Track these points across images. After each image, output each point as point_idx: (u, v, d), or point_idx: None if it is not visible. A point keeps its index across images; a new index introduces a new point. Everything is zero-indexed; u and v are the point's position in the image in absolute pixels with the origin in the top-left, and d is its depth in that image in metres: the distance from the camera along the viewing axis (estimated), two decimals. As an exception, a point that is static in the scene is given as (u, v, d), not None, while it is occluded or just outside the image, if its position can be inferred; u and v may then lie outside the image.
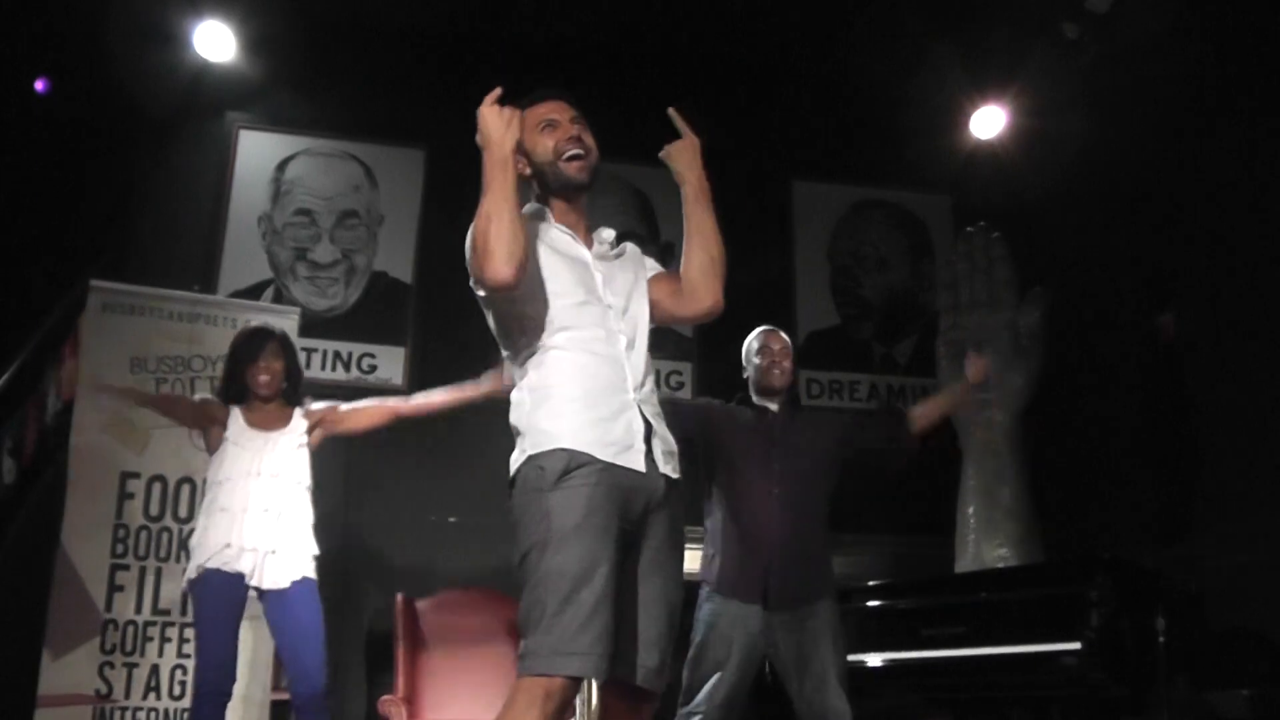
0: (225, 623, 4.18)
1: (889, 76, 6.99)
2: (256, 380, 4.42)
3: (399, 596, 6.04)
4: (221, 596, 4.18)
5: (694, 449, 4.23)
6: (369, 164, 7.13)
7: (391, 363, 6.79)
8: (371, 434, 6.53)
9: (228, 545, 4.17)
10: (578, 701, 6.16)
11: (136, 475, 5.43)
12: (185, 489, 5.46)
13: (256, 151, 7.01)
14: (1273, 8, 5.59)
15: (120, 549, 5.33)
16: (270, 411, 4.46)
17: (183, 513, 5.43)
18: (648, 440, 2.73)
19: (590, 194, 2.99)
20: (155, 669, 5.26)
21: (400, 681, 5.80)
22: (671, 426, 3.00)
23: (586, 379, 2.71)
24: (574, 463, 2.58)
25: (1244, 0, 5.76)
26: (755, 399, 4.53)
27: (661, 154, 3.07)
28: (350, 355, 6.76)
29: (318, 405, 4.62)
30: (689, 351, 7.09)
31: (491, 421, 6.90)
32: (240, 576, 4.19)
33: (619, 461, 2.64)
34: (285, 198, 6.98)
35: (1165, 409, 6.32)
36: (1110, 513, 6.55)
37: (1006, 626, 4.99)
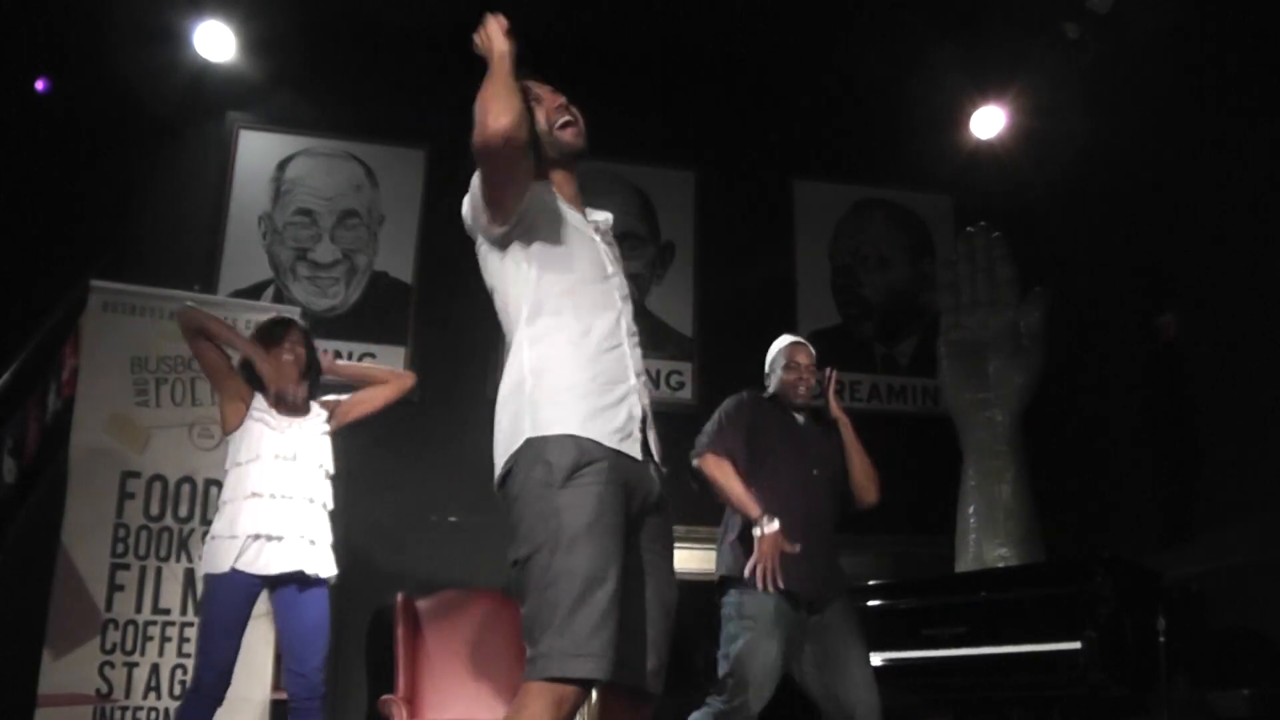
0: (234, 626, 4.16)
1: (890, 76, 6.99)
2: (279, 362, 4.43)
3: (400, 596, 6.04)
4: (238, 600, 4.16)
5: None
6: (370, 164, 7.13)
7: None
8: (372, 432, 6.58)
9: (256, 537, 4.15)
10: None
11: (137, 475, 5.43)
12: (185, 488, 5.46)
13: (257, 151, 7.01)
14: (1273, 8, 5.59)
15: (121, 548, 5.33)
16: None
17: (183, 512, 5.43)
18: (644, 429, 2.71)
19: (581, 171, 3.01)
20: (155, 668, 5.26)
21: (401, 681, 5.80)
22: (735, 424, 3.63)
23: (595, 363, 2.68)
24: (584, 459, 2.51)
25: (1245, 1, 5.75)
26: (768, 400, 4.60)
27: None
28: (351, 355, 6.75)
29: (331, 397, 4.65)
30: (689, 351, 7.08)
31: (491, 423, 6.91)
32: (259, 580, 4.17)
33: (623, 449, 2.60)
34: (286, 197, 6.98)
35: (1166, 409, 6.32)
36: (1111, 512, 6.55)
37: (1007, 626, 4.99)
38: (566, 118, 2.92)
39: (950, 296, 6.77)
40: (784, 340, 4.74)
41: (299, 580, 4.25)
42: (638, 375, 2.77)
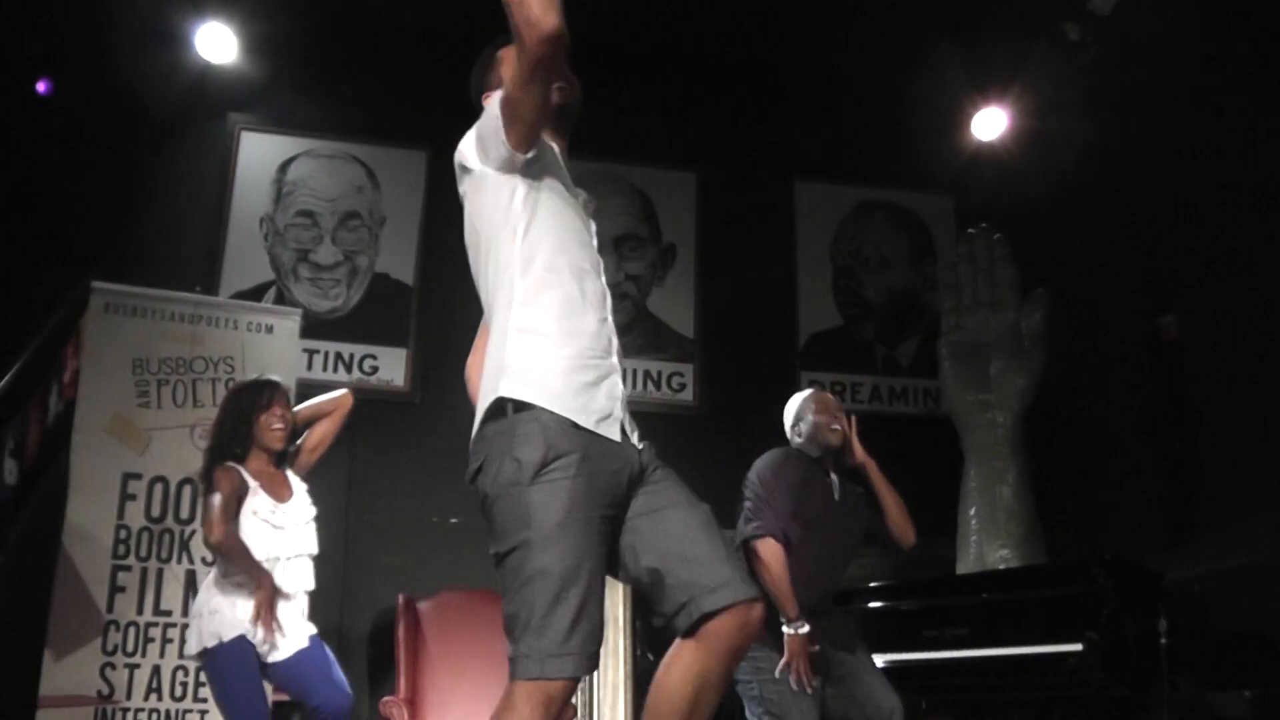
0: (259, 682, 4.06)
1: (891, 77, 6.99)
2: (268, 429, 4.27)
3: (400, 597, 6.05)
4: (250, 657, 4.06)
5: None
6: (371, 165, 7.13)
7: (393, 364, 6.79)
8: (374, 434, 6.60)
9: (251, 624, 4.05)
10: (578, 699, 6.16)
11: (138, 476, 5.43)
12: (187, 490, 5.46)
13: (258, 153, 7.01)
14: (1273, 9, 5.59)
15: (122, 550, 5.33)
16: (275, 475, 4.31)
17: (184, 514, 5.43)
18: (623, 409, 2.60)
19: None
20: (157, 670, 5.26)
21: (402, 682, 5.80)
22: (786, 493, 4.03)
23: (584, 335, 2.56)
24: (552, 453, 2.39)
25: (1246, 2, 5.76)
26: (812, 450, 4.49)
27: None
28: (352, 357, 6.76)
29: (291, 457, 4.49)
30: (690, 353, 7.08)
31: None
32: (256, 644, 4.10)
33: (600, 430, 2.48)
34: (287, 199, 6.98)
35: (1166, 410, 6.32)
36: (1112, 513, 6.55)
37: (1009, 628, 4.99)
38: (559, 82, 2.76)
39: (951, 298, 6.78)
40: (803, 392, 4.70)
41: (295, 655, 4.18)
42: (618, 350, 2.65)
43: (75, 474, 5.30)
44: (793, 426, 4.57)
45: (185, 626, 5.18)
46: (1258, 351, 5.68)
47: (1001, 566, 6.08)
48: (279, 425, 4.29)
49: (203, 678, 5.10)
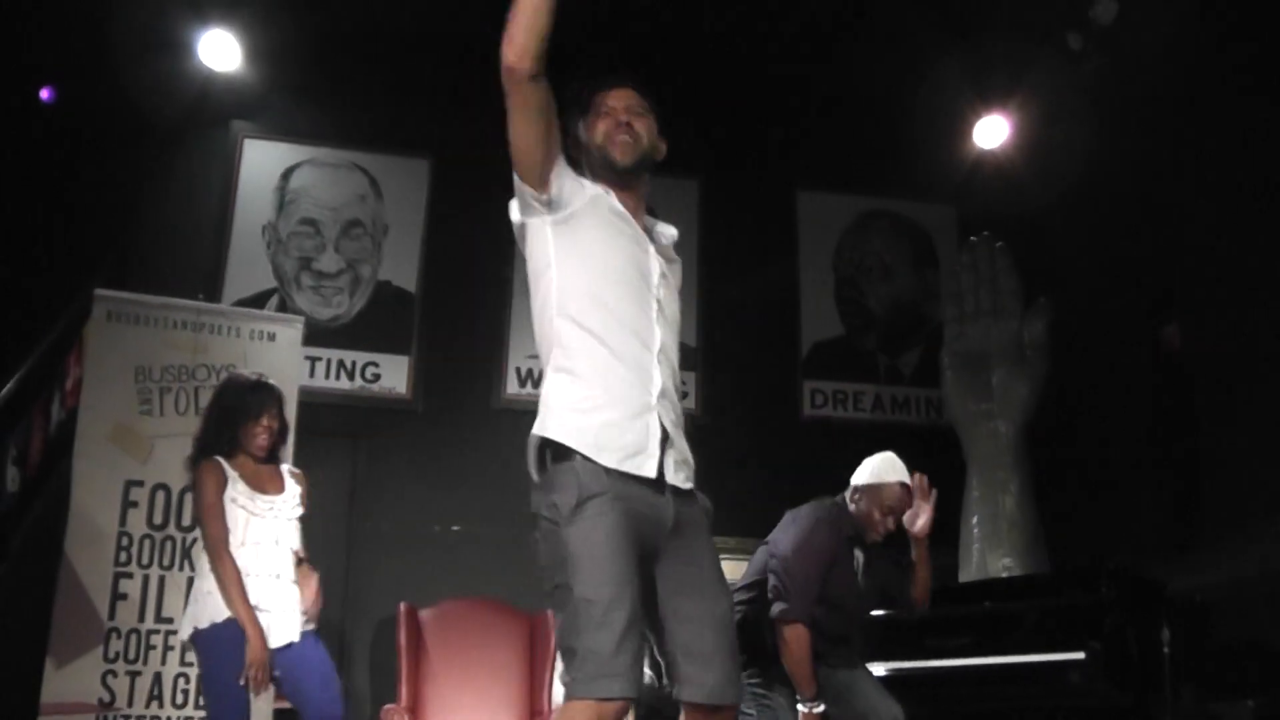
0: (240, 666, 4.12)
1: (894, 87, 6.99)
2: (253, 438, 4.24)
3: (402, 605, 6.04)
4: (236, 645, 4.10)
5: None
6: (374, 174, 7.14)
7: (395, 371, 6.79)
8: (376, 442, 6.60)
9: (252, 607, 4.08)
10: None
11: (140, 483, 5.42)
12: (189, 497, 5.43)
13: (261, 161, 7.02)
14: (1275, 19, 5.59)
15: (124, 557, 5.33)
16: (261, 470, 4.29)
17: (186, 521, 5.41)
18: (662, 447, 2.69)
19: (646, 185, 2.97)
20: (158, 677, 5.25)
21: (404, 691, 5.80)
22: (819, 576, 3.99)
23: (611, 374, 2.67)
24: (584, 494, 2.55)
25: (1248, 11, 5.76)
26: (848, 528, 4.33)
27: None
28: (354, 364, 6.76)
29: (293, 468, 4.47)
30: (692, 361, 7.07)
31: (495, 432, 6.93)
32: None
33: (625, 468, 2.60)
34: (290, 207, 6.99)
35: (1169, 419, 6.32)
36: (1114, 523, 6.54)
37: (1011, 636, 4.99)
38: (624, 136, 2.86)
39: (954, 307, 6.78)
40: (895, 473, 4.37)
41: (292, 646, 4.20)
42: (662, 394, 2.73)
43: (77, 482, 5.30)
44: (853, 492, 4.37)
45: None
46: (1260, 361, 5.67)
47: (1004, 576, 6.07)
48: (264, 437, 4.26)
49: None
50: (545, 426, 2.66)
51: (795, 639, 4.07)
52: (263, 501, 4.23)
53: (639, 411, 2.67)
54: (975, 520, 6.35)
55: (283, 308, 6.70)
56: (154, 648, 5.27)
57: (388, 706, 5.65)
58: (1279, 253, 5.61)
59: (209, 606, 4.06)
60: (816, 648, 4.18)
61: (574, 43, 6.92)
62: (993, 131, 7.15)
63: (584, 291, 2.71)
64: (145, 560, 5.36)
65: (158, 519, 5.43)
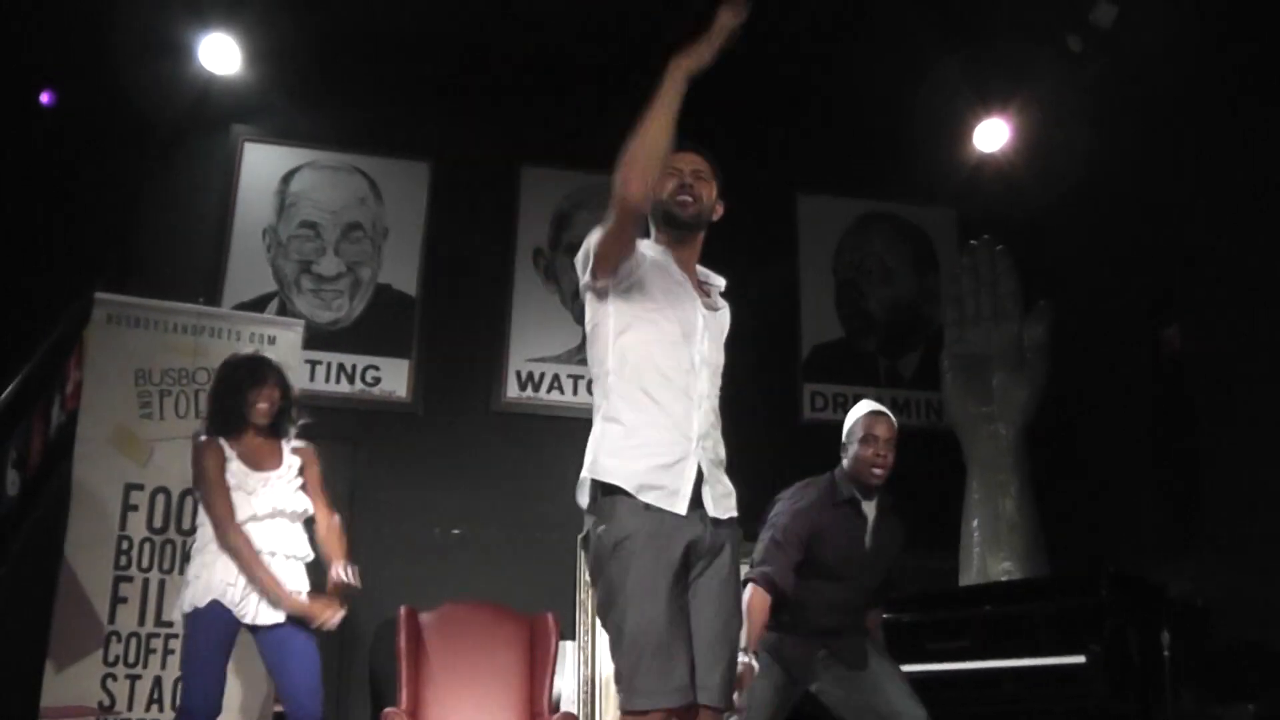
0: (219, 654, 4.16)
1: (894, 89, 6.98)
2: (255, 408, 4.37)
3: (402, 609, 6.04)
4: (219, 629, 4.15)
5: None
6: (374, 177, 7.13)
7: (395, 375, 6.79)
8: (376, 445, 6.60)
9: (230, 584, 4.16)
10: (581, 713, 6.16)
11: (140, 487, 5.43)
12: (189, 501, 5.44)
13: (261, 164, 7.02)
14: (1275, 22, 5.59)
15: (124, 561, 5.33)
16: (262, 446, 4.41)
17: (186, 524, 5.42)
18: (698, 486, 2.97)
19: (697, 242, 3.27)
20: (158, 681, 5.25)
21: (404, 694, 5.80)
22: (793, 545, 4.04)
23: (654, 425, 2.98)
24: (623, 532, 2.87)
25: (1248, 12, 5.76)
26: (846, 487, 4.31)
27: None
28: (354, 368, 6.76)
29: (299, 443, 4.53)
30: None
31: (495, 436, 6.93)
32: (238, 620, 4.18)
33: (663, 505, 2.91)
34: (290, 210, 6.99)
35: (1170, 422, 6.31)
36: (1115, 526, 6.53)
37: (1011, 640, 4.99)
38: (685, 196, 3.18)
39: (954, 310, 6.78)
40: (862, 408, 4.44)
41: (280, 626, 4.24)
42: (702, 437, 3.03)
43: (77, 485, 5.30)
44: (843, 446, 4.38)
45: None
46: (1261, 363, 5.67)
47: (1004, 579, 6.07)
48: (264, 405, 4.39)
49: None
50: (596, 469, 2.97)
51: (756, 604, 4.04)
52: (256, 478, 4.31)
53: (679, 457, 2.97)
54: (975, 523, 6.35)
55: (283, 311, 6.70)
56: (154, 651, 5.28)
57: (388, 710, 5.64)
58: (1279, 253, 5.61)
59: (194, 590, 4.17)
60: (825, 622, 4.22)
61: (576, 48, 6.94)
62: (993, 134, 7.15)
63: (636, 354, 3.02)
64: (145, 564, 5.37)
65: (158, 522, 5.44)
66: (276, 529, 4.30)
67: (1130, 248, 6.72)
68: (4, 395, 5.56)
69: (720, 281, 3.33)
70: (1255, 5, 5.72)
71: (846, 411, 4.59)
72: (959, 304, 6.75)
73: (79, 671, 5.14)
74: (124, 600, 5.28)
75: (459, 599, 6.27)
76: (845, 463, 4.34)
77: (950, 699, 5.07)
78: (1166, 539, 6.15)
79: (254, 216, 6.92)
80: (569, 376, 6.94)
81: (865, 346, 7.60)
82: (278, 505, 4.31)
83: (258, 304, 6.73)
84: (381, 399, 6.76)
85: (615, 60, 7.07)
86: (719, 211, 3.28)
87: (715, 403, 3.14)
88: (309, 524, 4.43)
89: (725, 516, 3.04)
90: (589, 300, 3.12)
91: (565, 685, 6.28)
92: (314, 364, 6.62)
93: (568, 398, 6.89)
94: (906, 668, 5.10)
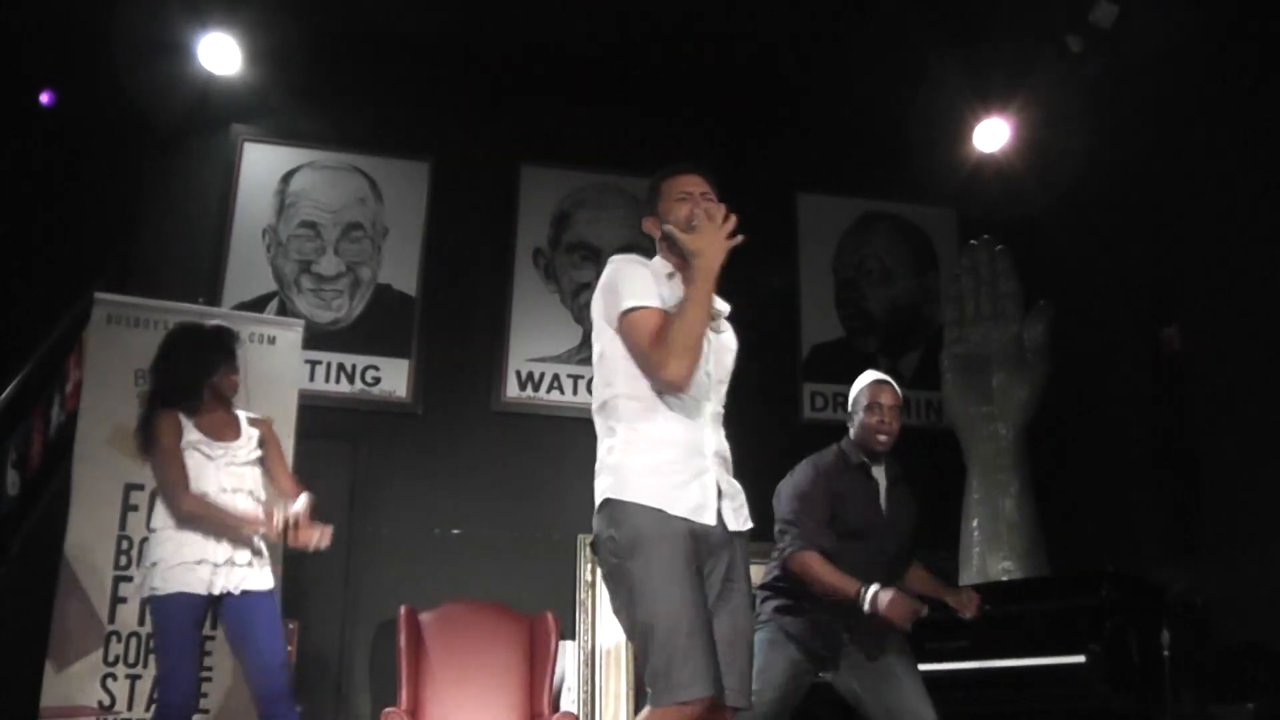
0: (190, 642, 4.17)
1: (893, 89, 6.98)
2: (227, 380, 4.37)
3: (403, 608, 6.04)
4: (187, 617, 4.13)
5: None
6: (374, 177, 7.13)
7: (395, 375, 6.79)
8: (376, 445, 6.60)
9: (199, 563, 4.15)
10: (581, 712, 6.16)
11: (140, 487, 5.41)
12: (189, 500, 5.45)
13: (261, 164, 7.02)
14: (1276, 21, 5.59)
15: (124, 560, 5.33)
16: (220, 418, 4.38)
17: (186, 525, 5.41)
18: (719, 499, 3.07)
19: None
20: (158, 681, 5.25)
21: (404, 694, 5.80)
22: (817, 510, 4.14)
23: (673, 446, 3.04)
24: (639, 533, 2.92)
25: (1249, 15, 5.76)
26: (855, 454, 4.40)
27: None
28: (354, 367, 6.76)
29: (253, 414, 4.53)
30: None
31: (495, 435, 6.92)
32: (204, 598, 4.16)
33: (693, 517, 2.98)
34: (290, 210, 6.98)
35: (1170, 422, 6.31)
36: (1114, 526, 6.53)
37: (1011, 640, 4.98)
38: (696, 224, 3.16)
39: (954, 310, 6.78)
40: (866, 377, 4.51)
41: (248, 595, 4.23)
42: (716, 454, 3.11)
43: (77, 485, 5.30)
44: (849, 415, 4.50)
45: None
46: (1261, 363, 5.67)
47: (1004, 578, 6.07)
48: (235, 375, 4.40)
49: (205, 689, 5.12)
50: (618, 489, 3.00)
51: (806, 564, 4.15)
52: (218, 448, 4.29)
53: (697, 474, 3.05)
54: (975, 523, 6.35)
55: (283, 311, 6.70)
56: (154, 651, 5.27)
57: (388, 710, 5.64)
58: (1279, 253, 5.61)
59: (153, 576, 4.16)
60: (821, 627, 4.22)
61: (576, 48, 6.94)
62: (993, 134, 7.13)
63: (648, 386, 3.06)
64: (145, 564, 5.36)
65: (157, 523, 5.42)
66: (240, 503, 4.29)
67: (1130, 246, 6.72)
68: (4, 395, 5.56)
69: (725, 307, 3.33)
70: (1255, 5, 5.72)
71: (846, 411, 4.60)
72: (959, 304, 6.75)
73: (79, 671, 5.13)
74: (124, 600, 5.27)
75: (459, 598, 6.27)
76: (852, 432, 4.44)
77: (949, 699, 5.07)
78: (1166, 539, 6.15)
79: (254, 216, 6.92)
80: (569, 376, 6.94)
81: (865, 346, 7.60)
82: (239, 481, 4.29)
83: (257, 304, 6.73)
84: (381, 399, 6.76)
85: (615, 60, 7.09)
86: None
87: (721, 420, 3.22)
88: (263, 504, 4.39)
89: (744, 529, 3.15)
90: (601, 327, 3.15)
91: (565, 685, 6.28)
92: (314, 364, 6.62)
93: (568, 397, 6.89)
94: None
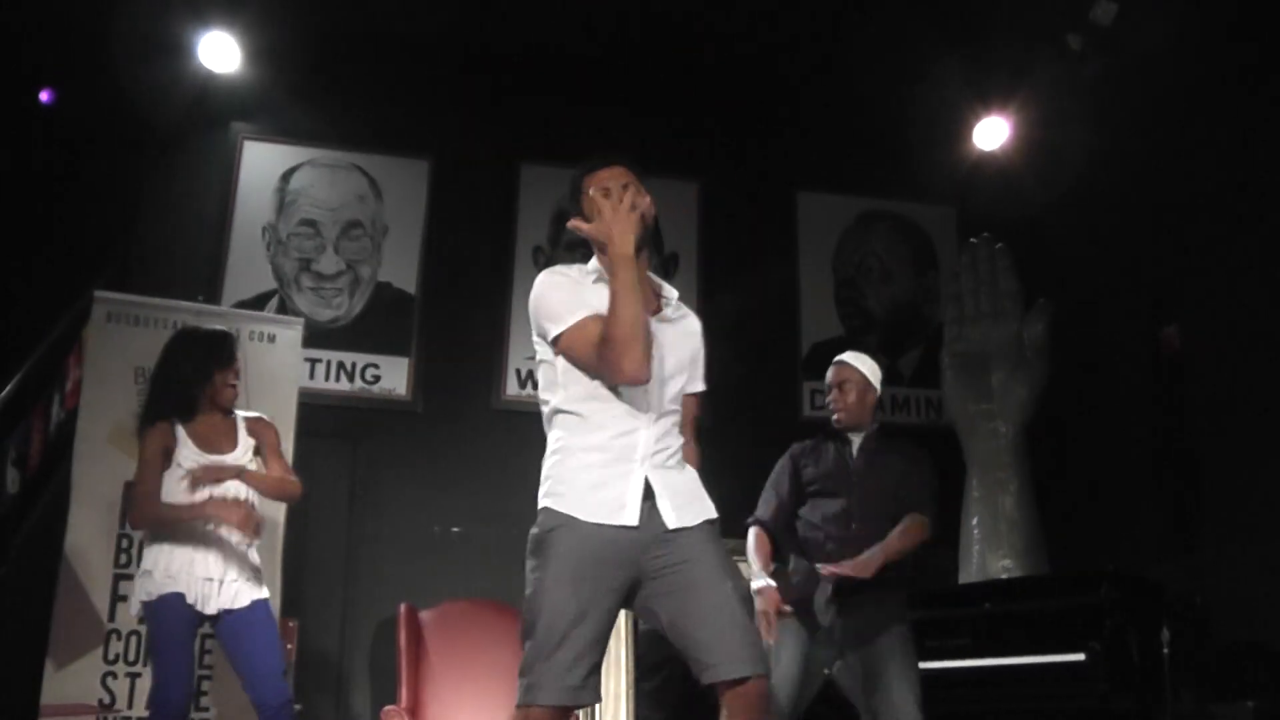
0: (185, 643, 4.14)
1: (893, 88, 6.99)
2: (223, 391, 4.30)
3: (402, 607, 6.04)
4: (181, 617, 4.11)
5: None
6: (373, 175, 7.12)
7: (395, 373, 6.79)
8: (376, 443, 6.60)
9: (188, 572, 4.12)
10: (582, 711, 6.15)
11: (140, 485, 5.42)
12: (189, 499, 5.45)
13: (261, 162, 7.02)
14: (1276, 19, 5.59)
15: (124, 558, 5.32)
16: (217, 425, 4.33)
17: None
18: (650, 498, 2.96)
19: (649, 254, 3.18)
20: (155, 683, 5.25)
21: (404, 692, 5.79)
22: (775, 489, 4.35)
23: (597, 452, 2.99)
24: (546, 538, 2.96)
25: (1248, 13, 5.76)
26: (833, 429, 4.63)
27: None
28: (354, 366, 6.76)
29: (249, 414, 4.48)
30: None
31: (495, 433, 6.92)
32: (194, 606, 4.15)
33: (609, 520, 2.92)
34: (290, 208, 6.98)
35: (1169, 421, 6.31)
36: (1114, 524, 6.54)
37: (1011, 638, 4.99)
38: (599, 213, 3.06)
39: (954, 308, 6.78)
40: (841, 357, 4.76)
41: (242, 610, 4.22)
42: (651, 455, 3.01)
43: (77, 483, 5.30)
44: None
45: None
46: (1260, 362, 5.67)
47: (1004, 577, 6.07)
48: (235, 382, 4.34)
49: (204, 686, 5.12)
50: (542, 496, 3.04)
51: (749, 538, 4.44)
52: (211, 460, 4.23)
53: (621, 476, 2.97)
54: (975, 521, 6.35)
55: (283, 309, 6.69)
56: (149, 654, 5.26)
57: (388, 708, 5.64)
58: (1279, 253, 5.61)
59: (147, 582, 4.13)
60: (827, 544, 4.31)
61: (575, 48, 6.94)
62: (993, 132, 7.14)
63: (582, 390, 3.02)
64: (145, 562, 5.36)
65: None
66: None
67: (1130, 247, 6.72)
68: (4, 394, 5.56)
69: (673, 293, 3.29)
70: (1255, 4, 5.72)
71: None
72: (958, 302, 6.75)
73: (79, 669, 5.13)
74: (124, 598, 5.25)
75: (459, 596, 6.27)
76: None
77: (949, 697, 5.08)
78: (1166, 538, 6.15)
79: (253, 214, 6.92)
80: (569, 375, 6.92)
81: (865, 345, 7.53)
82: (233, 490, 4.23)
83: (257, 302, 6.73)
84: (381, 397, 6.75)
85: (615, 60, 7.09)
86: (652, 210, 3.16)
87: (676, 416, 3.20)
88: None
89: (693, 524, 3.00)
90: (537, 338, 3.11)
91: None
92: (314, 362, 6.62)
93: (568, 396, 6.88)
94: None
